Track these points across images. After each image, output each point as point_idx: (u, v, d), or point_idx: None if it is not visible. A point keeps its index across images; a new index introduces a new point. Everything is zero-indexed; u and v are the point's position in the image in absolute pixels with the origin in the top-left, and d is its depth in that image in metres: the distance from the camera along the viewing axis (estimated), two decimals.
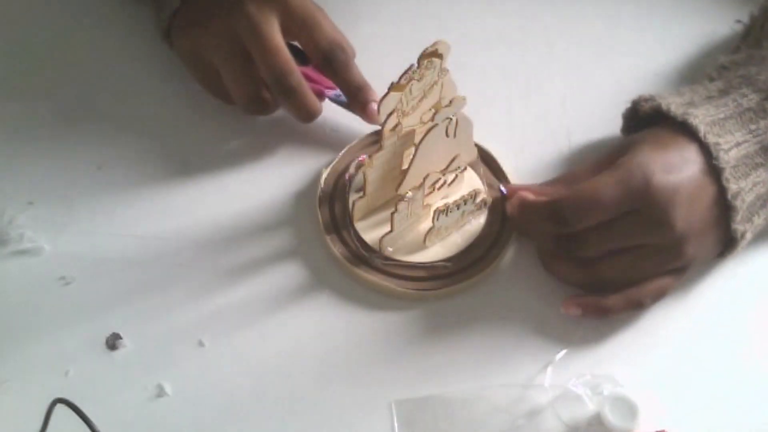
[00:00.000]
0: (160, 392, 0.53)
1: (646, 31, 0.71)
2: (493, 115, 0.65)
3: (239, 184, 0.62)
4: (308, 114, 0.60)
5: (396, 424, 0.51)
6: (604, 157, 0.55)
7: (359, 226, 0.58)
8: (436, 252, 0.57)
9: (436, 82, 0.54)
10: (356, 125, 0.63)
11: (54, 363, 0.54)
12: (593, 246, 0.53)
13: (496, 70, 0.68)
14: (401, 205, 0.55)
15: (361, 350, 0.54)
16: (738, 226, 0.53)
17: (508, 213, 0.57)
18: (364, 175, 0.56)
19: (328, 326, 0.55)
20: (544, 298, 0.56)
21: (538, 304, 0.56)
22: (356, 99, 0.61)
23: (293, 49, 0.61)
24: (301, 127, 0.62)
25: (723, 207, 0.53)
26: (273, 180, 0.62)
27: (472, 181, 0.59)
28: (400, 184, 0.56)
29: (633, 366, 0.53)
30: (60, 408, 0.45)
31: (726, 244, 0.55)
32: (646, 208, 0.52)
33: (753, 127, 0.54)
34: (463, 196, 0.56)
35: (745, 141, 0.54)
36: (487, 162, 0.61)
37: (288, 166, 0.62)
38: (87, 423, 0.45)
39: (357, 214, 0.58)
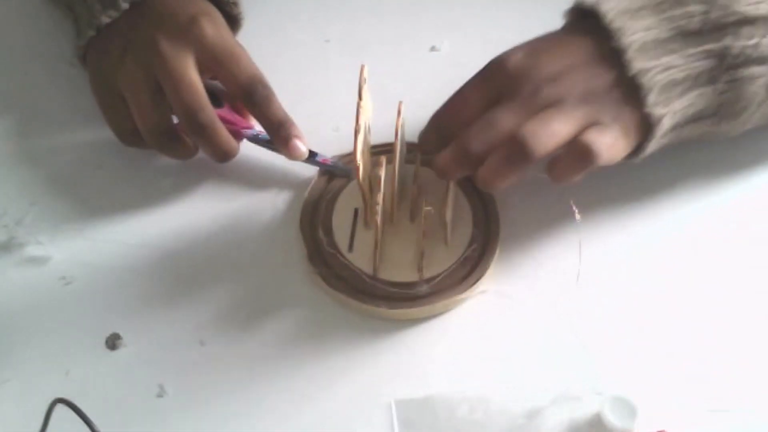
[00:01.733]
0: (160, 392, 0.53)
1: None
2: None
3: (239, 185, 0.62)
4: (223, 153, 0.59)
5: (396, 424, 0.51)
6: None
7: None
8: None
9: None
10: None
11: (54, 363, 0.54)
12: (481, 144, 0.52)
13: None
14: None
15: (362, 350, 0.54)
16: (654, 110, 0.51)
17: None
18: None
19: (329, 326, 0.55)
20: (542, 298, 0.56)
21: (538, 303, 0.56)
22: (278, 135, 0.59)
23: (209, 92, 0.59)
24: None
25: (627, 88, 0.52)
26: (277, 181, 0.62)
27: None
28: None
29: (633, 366, 0.53)
30: (60, 408, 0.45)
31: (644, 129, 0.53)
32: (509, 87, 0.52)
33: (668, 14, 0.53)
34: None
35: (657, 27, 0.53)
36: None
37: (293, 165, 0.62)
38: (87, 423, 0.45)
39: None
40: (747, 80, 0.54)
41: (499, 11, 0.72)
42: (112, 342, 0.54)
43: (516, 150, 0.51)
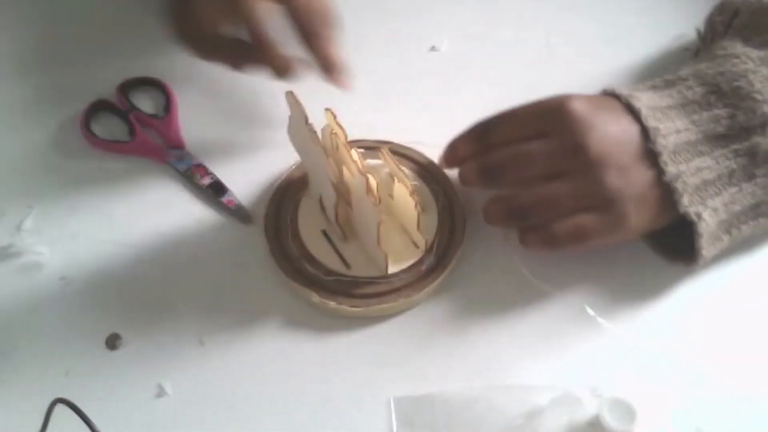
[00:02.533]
0: (160, 392, 0.53)
1: (648, 30, 0.71)
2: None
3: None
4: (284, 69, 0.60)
5: (395, 422, 0.51)
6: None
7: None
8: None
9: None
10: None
11: (54, 363, 0.54)
12: (512, 169, 0.55)
13: (496, 70, 0.68)
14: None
15: (361, 348, 0.55)
16: (690, 209, 0.53)
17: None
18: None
19: (328, 325, 0.55)
20: (543, 298, 0.56)
21: (537, 304, 0.56)
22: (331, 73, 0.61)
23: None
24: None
25: (666, 190, 0.53)
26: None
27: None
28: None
29: (632, 368, 0.53)
30: (60, 408, 0.45)
31: (685, 227, 0.54)
32: (559, 128, 0.53)
33: (696, 117, 0.55)
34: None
35: (687, 129, 0.54)
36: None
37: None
38: (87, 423, 0.45)
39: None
40: None
41: (499, 11, 0.72)
42: (112, 342, 0.54)
43: (564, 241, 0.54)
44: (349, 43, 0.70)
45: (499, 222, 0.57)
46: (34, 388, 0.53)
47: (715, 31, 0.62)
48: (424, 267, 0.56)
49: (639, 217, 0.53)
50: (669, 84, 0.57)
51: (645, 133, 0.53)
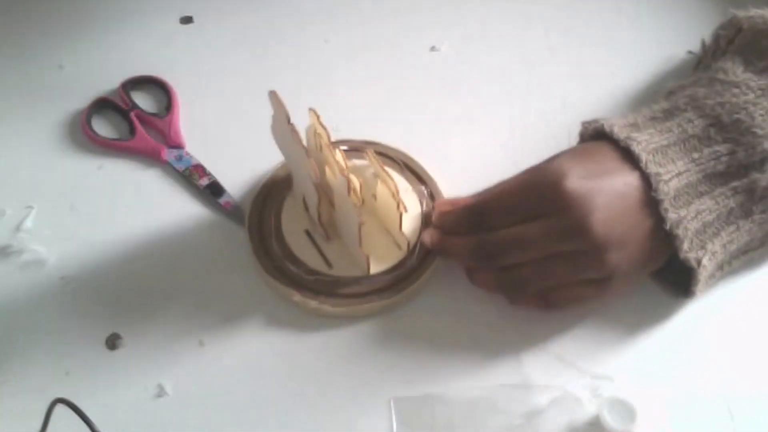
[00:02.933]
0: (160, 392, 0.53)
1: (648, 30, 0.71)
2: (493, 115, 0.65)
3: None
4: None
5: (395, 422, 0.51)
6: (530, 169, 0.55)
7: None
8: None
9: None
10: None
11: (54, 363, 0.54)
12: (511, 254, 0.53)
13: (496, 70, 0.68)
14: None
15: (361, 348, 0.55)
16: (689, 254, 0.52)
17: (427, 241, 0.57)
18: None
19: (328, 324, 0.55)
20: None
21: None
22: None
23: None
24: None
25: (665, 237, 0.52)
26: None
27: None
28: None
29: (632, 368, 0.53)
30: (60, 408, 0.45)
31: (685, 275, 0.53)
32: (557, 211, 0.51)
33: (696, 155, 0.53)
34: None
35: (687, 170, 0.53)
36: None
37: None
38: (87, 423, 0.45)
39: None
40: None
41: (499, 11, 0.72)
42: (112, 342, 0.54)
43: (560, 305, 0.54)
44: (350, 43, 0.70)
45: (490, 290, 0.55)
46: (34, 388, 0.52)
47: (718, 45, 0.61)
48: (406, 268, 0.56)
49: (638, 276, 0.54)
50: (668, 115, 0.55)
51: (645, 178, 0.52)
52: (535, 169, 0.54)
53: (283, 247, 0.58)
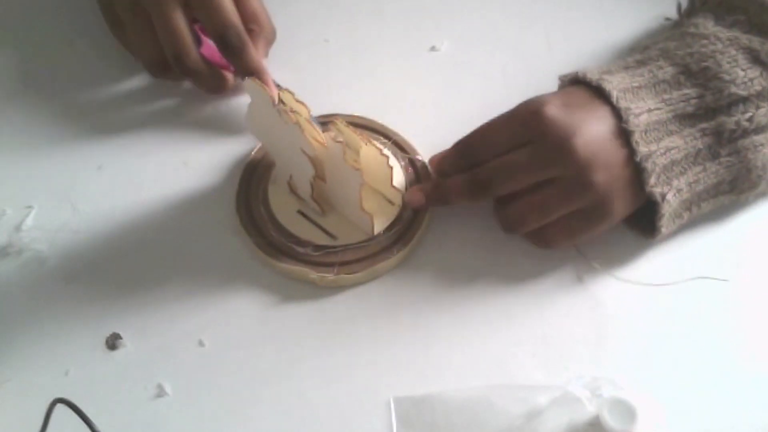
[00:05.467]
0: (160, 392, 0.53)
1: (648, 30, 0.71)
2: (493, 115, 0.65)
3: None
4: (213, 88, 0.64)
5: (395, 422, 0.51)
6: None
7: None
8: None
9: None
10: None
11: (54, 363, 0.54)
12: (502, 182, 0.55)
13: (496, 70, 0.68)
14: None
15: (361, 347, 0.55)
16: (655, 189, 0.54)
17: (417, 198, 0.59)
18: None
19: (327, 323, 0.56)
20: (543, 297, 0.56)
21: (537, 303, 0.56)
22: None
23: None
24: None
25: (635, 169, 0.54)
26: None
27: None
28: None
29: (632, 368, 0.53)
30: (60, 408, 0.45)
31: (649, 208, 0.55)
32: (541, 136, 0.54)
33: (666, 96, 0.56)
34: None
35: (658, 108, 0.55)
36: None
37: None
38: (87, 423, 0.45)
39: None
40: (750, 149, 0.56)
41: (499, 11, 0.72)
42: (112, 342, 0.55)
43: (553, 240, 0.57)
44: (350, 43, 0.70)
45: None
46: (34, 388, 0.53)
47: (693, 5, 0.63)
48: (404, 221, 0.58)
49: (620, 206, 0.55)
50: (640, 63, 0.58)
51: (617, 112, 0.55)
52: (518, 105, 0.57)
53: (283, 232, 0.58)
